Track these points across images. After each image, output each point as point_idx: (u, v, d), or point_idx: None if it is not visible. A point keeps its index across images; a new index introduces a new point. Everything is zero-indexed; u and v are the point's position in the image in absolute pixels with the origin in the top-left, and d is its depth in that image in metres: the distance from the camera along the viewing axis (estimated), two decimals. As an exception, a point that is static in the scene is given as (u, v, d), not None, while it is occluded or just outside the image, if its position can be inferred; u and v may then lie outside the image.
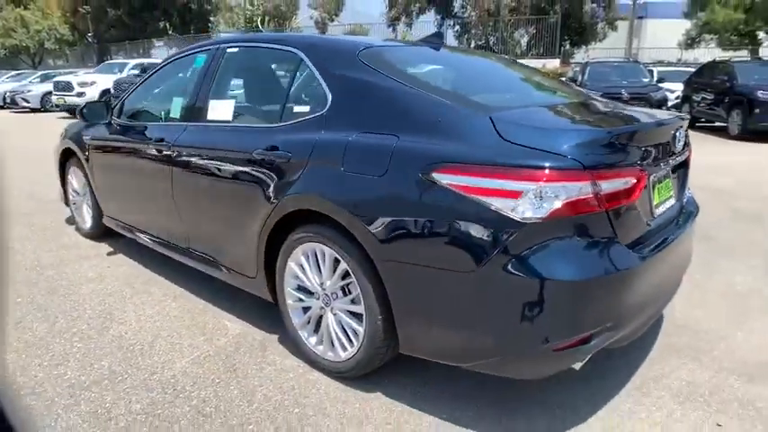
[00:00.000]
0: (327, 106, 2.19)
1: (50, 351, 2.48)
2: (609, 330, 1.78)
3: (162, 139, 2.94)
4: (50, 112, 17.03)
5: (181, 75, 3.30)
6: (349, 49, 2.31)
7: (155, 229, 3.27)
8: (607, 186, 1.71)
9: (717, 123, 11.47)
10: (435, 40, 2.78)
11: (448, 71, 2.70)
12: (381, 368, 2.17)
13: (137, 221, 3.45)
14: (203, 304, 2.98)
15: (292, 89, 2.45)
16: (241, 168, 2.45)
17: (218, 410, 2.04)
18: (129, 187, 3.40)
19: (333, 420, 1.98)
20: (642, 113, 2.30)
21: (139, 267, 3.56)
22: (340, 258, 2.08)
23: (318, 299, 2.26)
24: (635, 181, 1.81)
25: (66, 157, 4.19)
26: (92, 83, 15.29)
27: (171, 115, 3.06)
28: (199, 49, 3.02)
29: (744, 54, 22.43)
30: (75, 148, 3.91)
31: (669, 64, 21.25)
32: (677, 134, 2.13)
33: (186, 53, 3.17)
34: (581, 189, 1.65)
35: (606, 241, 1.75)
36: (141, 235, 3.38)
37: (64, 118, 14.36)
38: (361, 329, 2.07)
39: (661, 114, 2.29)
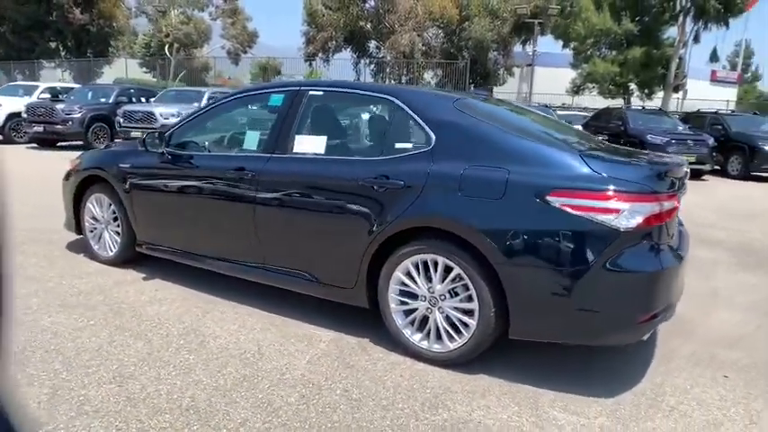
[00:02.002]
0: (432, 143, 2.73)
1: (170, 364, 2.67)
2: (664, 311, 2.47)
3: (242, 168, 3.25)
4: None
5: (250, 110, 3.62)
6: (445, 100, 2.88)
7: (218, 251, 3.50)
8: (664, 206, 2.42)
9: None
10: (483, 93, 3.43)
11: (518, 117, 3.34)
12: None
13: (191, 245, 3.65)
14: (279, 318, 3.27)
15: (390, 129, 2.94)
16: (345, 194, 2.88)
17: (364, 395, 2.42)
18: (188, 213, 3.60)
19: (460, 395, 2.45)
20: (659, 155, 3.11)
21: (186, 289, 3.71)
22: (454, 265, 2.58)
23: (425, 301, 2.73)
24: (675, 203, 2.55)
25: (84, 186, 4.22)
26: (-4, 105, 14.06)
27: (246, 147, 3.39)
28: (273, 89, 3.41)
29: (619, 101, 26.11)
30: (106, 175, 4.00)
31: (566, 107, 24.11)
32: (687, 171, 2.94)
33: (254, 92, 3.52)
34: (652, 208, 2.35)
35: (662, 246, 2.45)
36: (192, 258, 3.61)
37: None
38: (472, 322, 2.58)
39: (676, 157, 3.11)
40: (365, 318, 3.11)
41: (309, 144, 3.13)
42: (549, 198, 2.37)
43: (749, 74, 59.58)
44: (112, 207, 4.07)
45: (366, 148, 3.12)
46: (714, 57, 41.40)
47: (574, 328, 2.43)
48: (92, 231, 4.30)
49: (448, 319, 2.68)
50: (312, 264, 3.07)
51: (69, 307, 3.34)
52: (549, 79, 31.19)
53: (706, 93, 33.65)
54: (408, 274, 2.75)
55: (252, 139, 3.38)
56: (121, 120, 12.46)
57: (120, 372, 2.57)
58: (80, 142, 12.72)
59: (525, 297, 2.45)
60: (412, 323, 2.80)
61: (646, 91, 27.86)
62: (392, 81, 27.59)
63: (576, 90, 30.39)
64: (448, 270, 2.63)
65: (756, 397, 2.54)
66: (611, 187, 2.33)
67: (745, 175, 12.10)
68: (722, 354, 2.99)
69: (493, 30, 24.63)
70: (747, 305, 3.88)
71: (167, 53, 32.60)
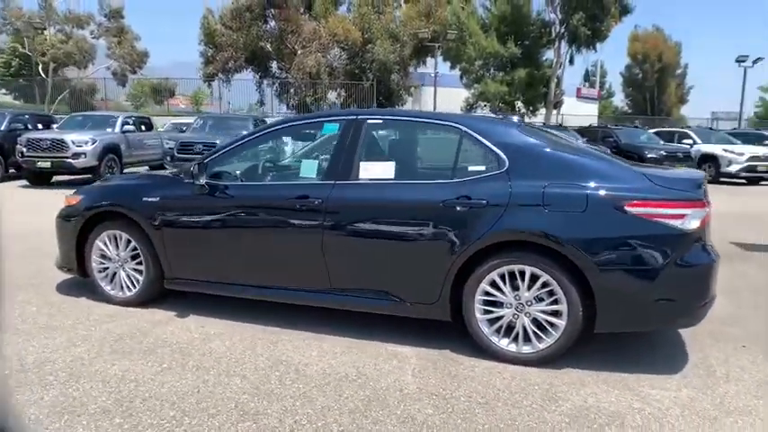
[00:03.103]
0: (507, 165, 3.04)
1: (286, 395, 2.67)
2: (713, 298, 2.98)
3: (306, 196, 3.31)
4: None
5: (298, 140, 3.67)
6: (508, 125, 3.22)
7: (274, 280, 3.50)
8: (708, 211, 2.95)
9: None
10: (515, 119, 3.83)
11: (567, 140, 3.74)
12: (565, 350, 3.02)
13: (239, 276, 3.59)
14: (347, 341, 3.34)
15: (459, 153, 3.21)
16: (425, 215, 3.09)
17: (489, 398, 2.64)
18: (236, 244, 3.54)
19: (564, 387, 2.77)
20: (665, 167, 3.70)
21: (230, 322, 3.62)
22: (541, 273, 2.91)
23: (510, 308, 3.01)
24: (710, 209, 3.10)
25: (91, 224, 3.94)
26: None
27: (304, 175, 3.44)
28: (326, 119, 3.52)
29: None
30: (127, 211, 3.78)
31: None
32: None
33: (303, 121, 3.59)
34: (704, 212, 2.87)
35: (708, 244, 2.98)
36: (237, 289, 3.59)
37: None
38: (561, 322, 2.91)
39: (694, 171, 3.71)
40: (426, 331, 3.36)
41: (377, 170, 3.29)
42: (627, 208, 2.79)
43: (605, 91, 67.93)
44: (132, 244, 3.84)
45: (436, 171, 3.35)
46: (587, 77, 46.79)
47: (653, 316, 2.87)
48: (101, 272, 4.00)
49: (534, 322, 2.99)
50: (395, 284, 3.21)
51: (125, 353, 3.14)
52: (441, 99, 33.12)
53: (574, 108, 37.90)
54: (493, 285, 3.02)
55: (309, 168, 3.45)
56: (24, 149, 11.20)
57: (243, 409, 2.53)
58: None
59: (612, 295, 2.83)
60: (498, 330, 3.06)
61: (531, 108, 30.75)
62: (296, 101, 27.63)
63: (470, 108, 32.64)
64: (533, 278, 2.94)
65: (774, 359, 3.17)
66: (677, 197, 2.81)
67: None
68: (728, 330, 3.62)
69: (395, 52, 25.73)
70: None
71: (42, 74, 29.55)
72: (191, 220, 3.64)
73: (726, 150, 14.52)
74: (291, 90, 27.74)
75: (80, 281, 4.40)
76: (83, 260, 4.03)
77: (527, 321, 3.00)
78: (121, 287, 3.95)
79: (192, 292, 3.87)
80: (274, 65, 28.69)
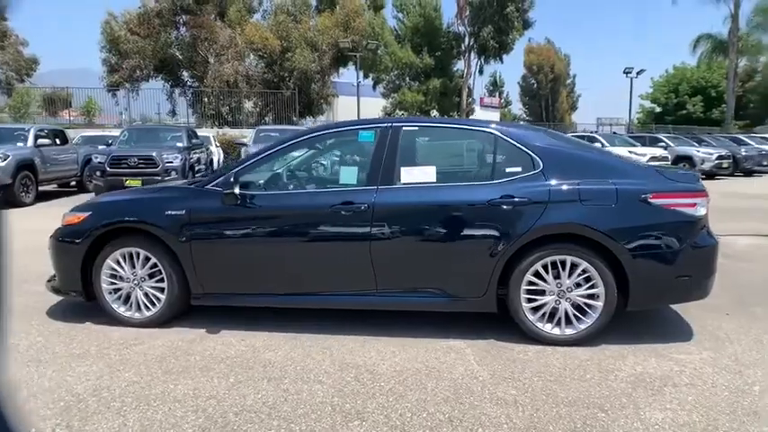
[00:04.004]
0: (541, 166, 3.36)
1: (379, 393, 2.76)
2: (715, 273, 3.49)
3: (350, 202, 3.40)
4: None
5: (331, 148, 3.73)
6: (537, 131, 3.55)
7: (318, 286, 3.54)
8: (709, 200, 3.47)
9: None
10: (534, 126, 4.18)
11: (588, 143, 4.11)
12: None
13: (281, 286, 3.58)
14: (395, 340, 3.46)
15: (496, 156, 3.48)
16: (472, 214, 3.33)
17: (557, 376, 2.91)
18: (277, 253, 3.54)
19: (611, 359, 3.12)
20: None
21: (269, 334, 3.59)
22: (581, 261, 3.25)
23: (553, 295, 3.33)
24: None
25: (100, 243, 3.71)
26: None
27: (345, 181, 3.53)
28: (361, 127, 3.64)
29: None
30: (148, 227, 3.62)
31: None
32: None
33: (335, 130, 3.68)
34: (707, 201, 3.37)
35: (709, 228, 3.50)
36: (277, 299, 3.62)
37: None
38: (599, 304, 3.27)
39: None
40: (461, 322, 3.62)
41: (419, 174, 3.47)
42: (651, 200, 3.22)
43: (503, 100, 72.53)
44: (152, 261, 3.67)
45: (476, 174, 3.59)
46: (496, 85, 49.77)
47: (674, 292, 3.33)
48: (112, 293, 3.77)
49: (574, 306, 3.32)
50: (444, 282, 3.40)
51: (180, 372, 3.03)
52: (355, 108, 33.28)
53: (480, 117, 40.30)
54: (536, 275, 3.32)
55: (349, 174, 3.54)
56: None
57: (343, 410, 2.58)
58: None
59: (642, 276, 3.24)
60: (542, 317, 3.36)
61: (446, 116, 32.18)
62: (210, 112, 26.66)
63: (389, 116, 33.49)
64: (573, 266, 3.28)
65: (757, 319, 3.77)
66: (689, 189, 3.29)
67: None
68: (710, 302, 4.19)
69: (315, 61, 25.76)
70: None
71: None
72: (227, 232, 3.56)
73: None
74: (205, 99, 26.72)
75: (72, 305, 4.16)
76: (87, 282, 3.78)
77: (568, 306, 3.33)
78: (138, 307, 3.75)
79: (218, 306, 3.79)
80: (186, 73, 27.49)
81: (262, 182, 3.70)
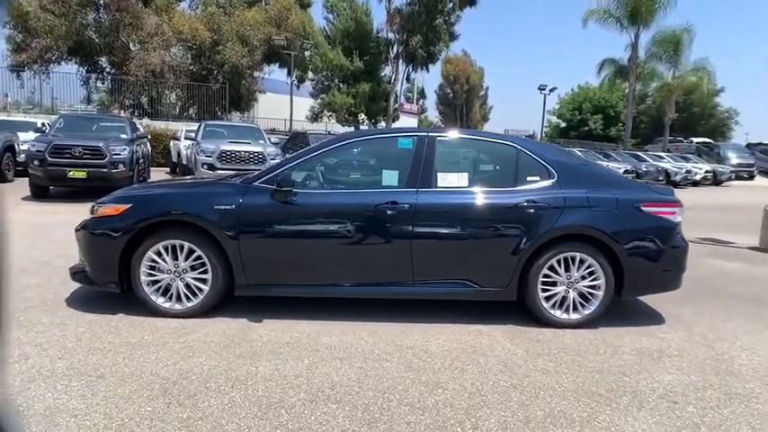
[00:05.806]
0: (556, 176, 3.98)
1: (434, 365, 3.18)
2: (685, 270, 4.30)
3: (395, 202, 3.80)
4: None
5: (374, 153, 4.10)
6: (551, 146, 4.16)
7: (360, 278, 3.90)
8: (683, 209, 4.27)
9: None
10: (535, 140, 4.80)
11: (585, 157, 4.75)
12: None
13: (329, 276, 3.90)
14: (436, 326, 3.91)
15: (518, 166, 4.04)
16: (502, 215, 3.86)
17: (582, 350, 3.51)
18: (323, 246, 3.84)
19: (615, 337, 3.79)
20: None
21: (311, 322, 3.86)
22: (587, 257, 3.90)
23: (563, 285, 3.95)
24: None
25: (141, 237, 3.79)
26: None
27: (387, 183, 3.92)
28: (401, 135, 4.07)
29: (352, 128, 30.18)
30: (196, 220, 3.77)
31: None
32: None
33: (375, 136, 4.06)
34: (682, 210, 4.17)
35: (682, 233, 4.30)
36: (318, 289, 3.94)
37: None
38: (599, 293, 3.94)
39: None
40: (478, 311, 4.14)
41: (453, 179, 3.94)
42: (642, 208, 3.95)
43: (420, 107, 74.83)
44: (197, 253, 3.81)
45: (502, 180, 4.10)
46: (422, 94, 51.25)
47: (658, 283, 4.08)
48: (151, 285, 3.85)
49: (580, 295, 3.97)
50: (475, 274, 3.89)
51: (250, 357, 3.25)
52: (276, 105, 32.44)
53: (400, 122, 41.50)
54: (551, 269, 3.93)
55: (390, 177, 3.93)
56: None
57: (428, 383, 2.98)
58: None
59: (635, 269, 3.95)
60: (554, 304, 3.97)
61: (373, 120, 32.88)
62: (129, 101, 25.23)
63: (315, 117, 33.48)
64: (581, 261, 3.92)
65: (705, 307, 4.67)
66: (670, 199, 4.07)
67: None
68: (667, 294, 5.09)
69: (246, 56, 25.26)
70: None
71: None
72: (276, 227, 3.80)
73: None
74: (124, 88, 25.18)
75: (90, 296, 4.14)
76: (122, 274, 3.83)
77: (575, 295, 3.96)
78: (179, 299, 3.86)
79: (243, 298, 3.98)
80: (104, 59, 25.71)
81: (308, 180, 3.97)
